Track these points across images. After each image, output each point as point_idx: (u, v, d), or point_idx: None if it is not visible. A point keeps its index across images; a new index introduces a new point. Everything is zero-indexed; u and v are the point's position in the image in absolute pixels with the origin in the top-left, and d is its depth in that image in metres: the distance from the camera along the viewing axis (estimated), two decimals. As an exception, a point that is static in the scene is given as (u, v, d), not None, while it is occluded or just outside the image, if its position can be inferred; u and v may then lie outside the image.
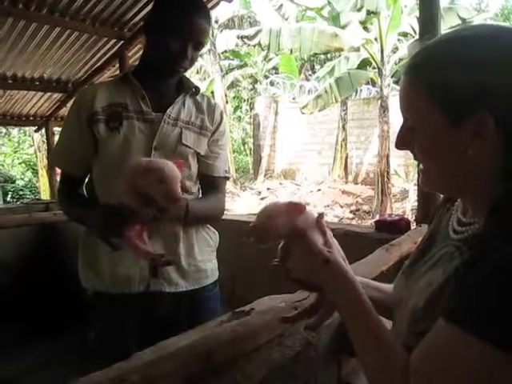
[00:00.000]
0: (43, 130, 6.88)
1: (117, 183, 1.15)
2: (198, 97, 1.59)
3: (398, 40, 10.39)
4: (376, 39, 9.65)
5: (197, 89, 1.58)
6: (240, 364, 0.98)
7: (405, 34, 10.18)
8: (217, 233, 1.66)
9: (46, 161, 10.28)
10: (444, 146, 0.74)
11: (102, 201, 1.44)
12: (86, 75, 4.94)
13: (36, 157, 12.48)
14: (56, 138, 6.25)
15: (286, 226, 0.84)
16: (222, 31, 15.86)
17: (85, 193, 1.56)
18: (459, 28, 0.78)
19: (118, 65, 4.30)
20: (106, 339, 1.48)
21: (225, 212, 1.67)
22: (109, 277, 1.45)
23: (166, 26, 1.39)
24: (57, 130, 6.48)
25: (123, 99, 1.46)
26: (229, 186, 13.05)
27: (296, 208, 0.86)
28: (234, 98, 19.76)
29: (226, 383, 0.95)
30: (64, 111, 5.93)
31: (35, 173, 13.56)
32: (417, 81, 0.75)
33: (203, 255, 1.56)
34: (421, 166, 0.81)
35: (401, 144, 0.80)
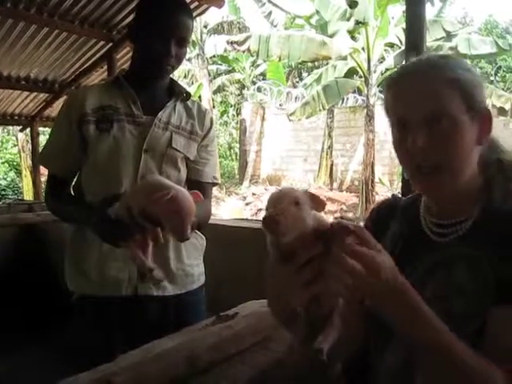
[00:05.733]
0: (28, 130, 6.80)
1: (128, 194, 1.17)
2: (188, 102, 1.60)
3: (385, 50, 10.53)
4: (363, 49, 9.77)
5: (188, 94, 1.59)
6: (224, 367, 0.99)
7: (391, 45, 10.32)
8: (204, 237, 1.66)
9: (29, 161, 10.12)
10: (466, 135, 0.82)
11: (89, 201, 1.45)
12: (73, 76, 4.91)
13: (20, 157, 12.28)
14: (41, 138, 6.20)
15: (311, 219, 0.72)
16: (210, 36, 15.87)
17: (72, 193, 1.56)
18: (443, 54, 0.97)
19: (106, 67, 4.29)
20: (93, 342, 1.48)
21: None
22: (97, 279, 1.45)
23: (148, 27, 1.42)
24: (42, 130, 6.42)
25: (114, 102, 1.47)
26: (214, 190, 12.96)
27: (320, 202, 0.75)
28: (220, 102, 19.76)
29: (211, 386, 0.95)
30: (50, 111, 5.88)
31: (18, 173, 13.35)
32: (444, 78, 0.83)
33: (191, 260, 1.57)
34: (438, 170, 0.83)
35: (425, 139, 0.82)
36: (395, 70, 0.95)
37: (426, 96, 0.83)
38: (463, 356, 0.71)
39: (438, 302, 0.76)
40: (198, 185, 1.56)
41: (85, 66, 4.61)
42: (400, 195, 1.27)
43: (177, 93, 1.56)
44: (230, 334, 1.07)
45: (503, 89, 11.96)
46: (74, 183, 1.56)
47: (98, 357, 1.00)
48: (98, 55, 4.33)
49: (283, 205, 0.70)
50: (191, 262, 1.56)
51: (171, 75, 1.57)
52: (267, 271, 0.79)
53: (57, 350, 2.28)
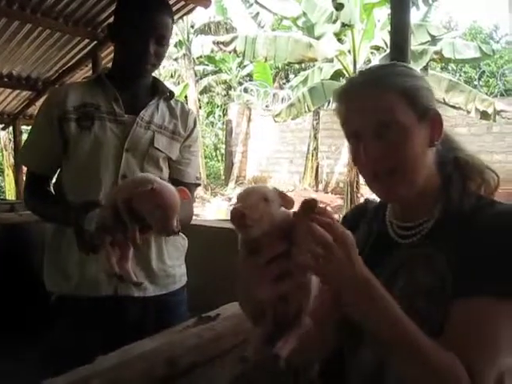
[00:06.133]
0: (10, 129, 6.70)
1: (111, 192, 1.16)
2: (172, 102, 1.59)
3: (371, 53, 10.60)
4: (349, 51, 9.82)
5: (171, 93, 1.58)
6: (205, 369, 0.99)
7: (377, 48, 10.40)
8: (186, 238, 1.65)
9: (12, 160, 10.01)
10: (416, 138, 0.84)
11: (70, 199, 1.42)
12: (57, 74, 4.84)
13: (2, 156, 12.13)
14: (24, 136, 6.11)
15: (279, 215, 0.73)
16: (197, 36, 15.83)
17: (52, 191, 1.54)
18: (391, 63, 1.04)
19: (90, 65, 4.25)
20: (72, 343, 1.45)
21: (194, 217, 1.67)
22: (76, 279, 1.43)
23: (126, 27, 1.41)
24: (24, 128, 6.32)
25: (96, 100, 1.45)
26: (199, 191, 12.98)
27: (289, 200, 0.75)
28: (207, 103, 19.72)
29: (190, 388, 0.95)
30: (33, 109, 5.79)
31: (1, 172, 13.18)
32: (389, 87, 0.86)
33: (173, 260, 1.56)
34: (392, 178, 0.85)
35: (376, 148, 0.84)
36: (343, 82, 0.98)
37: (374, 108, 0.85)
38: (431, 353, 0.72)
39: (402, 303, 0.76)
40: (181, 185, 1.55)
41: (69, 64, 4.55)
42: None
43: (160, 92, 1.55)
44: (211, 335, 1.06)
45: (486, 93, 12.12)
46: (54, 181, 1.54)
47: (77, 358, 0.98)
48: (82, 53, 4.27)
49: (252, 200, 0.71)
50: (173, 262, 1.55)
51: (154, 74, 1.56)
52: (238, 267, 0.78)
53: (35, 350, 2.24)
